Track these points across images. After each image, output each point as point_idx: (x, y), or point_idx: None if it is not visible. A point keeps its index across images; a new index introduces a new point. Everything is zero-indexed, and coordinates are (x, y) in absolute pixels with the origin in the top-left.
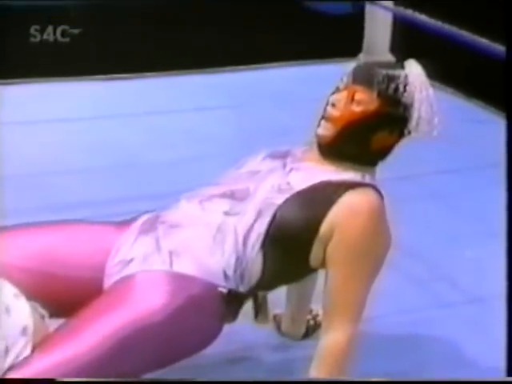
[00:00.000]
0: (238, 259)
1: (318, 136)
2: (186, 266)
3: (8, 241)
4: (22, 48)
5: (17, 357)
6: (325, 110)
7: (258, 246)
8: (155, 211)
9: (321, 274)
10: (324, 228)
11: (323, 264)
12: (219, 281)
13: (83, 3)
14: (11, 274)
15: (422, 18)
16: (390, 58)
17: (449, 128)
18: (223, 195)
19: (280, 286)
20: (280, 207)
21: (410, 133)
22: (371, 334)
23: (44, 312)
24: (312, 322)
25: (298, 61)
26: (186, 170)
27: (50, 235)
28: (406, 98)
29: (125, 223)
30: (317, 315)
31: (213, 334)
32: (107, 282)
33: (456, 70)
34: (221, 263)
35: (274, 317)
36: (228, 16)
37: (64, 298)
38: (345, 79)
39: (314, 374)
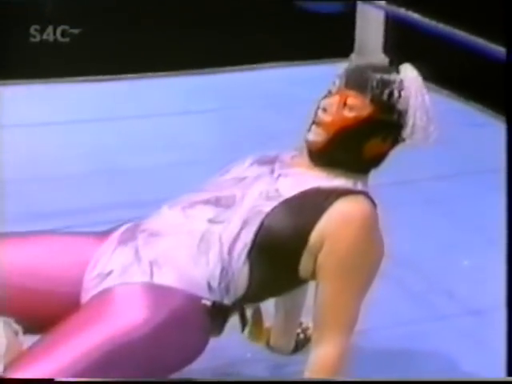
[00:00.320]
0: (223, 270)
1: (308, 142)
2: (167, 278)
3: None
4: (22, 48)
5: None
6: (316, 114)
7: (244, 256)
8: (135, 221)
9: (311, 285)
10: (314, 238)
11: (313, 275)
12: (203, 293)
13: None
14: None
15: (416, 16)
16: (383, 58)
17: (445, 132)
18: (207, 202)
19: (268, 299)
20: (268, 215)
21: (404, 140)
22: (364, 348)
23: (18, 328)
24: (302, 336)
25: (287, 61)
26: (171, 176)
27: (23, 247)
28: (400, 104)
29: (104, 234)
30: (307, 328)
31: (198, 349)
32: (85, 297)
33: (452, 72)
34: (205, 274)
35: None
36: (215, 16)
37: (39, 313)
38: (337, 83)
39: None
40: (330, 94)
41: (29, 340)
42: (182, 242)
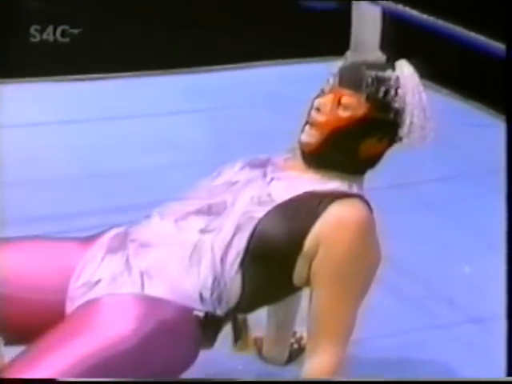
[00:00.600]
0: (215, 280)
1: (301, 143)
2: (158, 289)
3: None
4: (22, 48)
5: None
6: (309, 114)
7: (236, 264)
8: (124, 226)
9: (305, 293)
10: (308, 243)
11: (308, 282)
12: (195, 304)
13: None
14: None
15: (414, 13)
16: (379, 56)
17: (444, 132)
18: (199, 211)
19: (261, 307)
20: (260, 221)
21: (401, 139)
22: (360, 358)
23: None
24: (296, 346)
25: (280, 60)
26: (159, 179)
27: (4, 254)
28: (397, 103)
29: (89, 239)
30: (301, 338)
31: (188, 362)
32: (70, 306)
33: (451, 69)
34: (197, 284)
35: (255, 340)
36: (204, 13)
37: (22, 323)
38: (331, 81)
39: None
40: (323, 92)
41: (11, 352)
42: (173, 254)
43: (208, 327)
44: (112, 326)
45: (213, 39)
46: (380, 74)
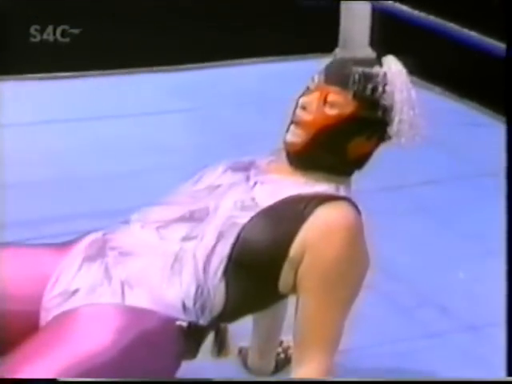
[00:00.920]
0: (198, 288)
1: (286, 143)
2: (140, 299)
3: None
4: (22, 48)
5: None
6: (294, 113)
7: (220, 272)
8: (101, 231)
9: (291, 300)
10: (294, 249)
11: (294, 289)
12: (178, 314)
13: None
14: None
15: (405, 8)
16: (369, 53)
17: (438, 133)
18: (181, 219)
19: (245, 316)
20: (244, 227)
21: (390, 138)
22: (349, 368)
23: None
24: (282, 356)
25: (265, 57)
26: (138, 182)
27: None
28: (385, 100)
29: (65, 245)
30: (287, 348)
31: (169, 373)
32: (45, 317)
33: (445, 67)
34: (179, 294)
35: (240, 350)
36: (188, 7)
37: None
38: (316, 78)
39: None
40: (308, 90)
41: None
42: (155, 263)
43: (191, 337)
44: (90, 338)
45: (198, 36)
46: (367, 70)
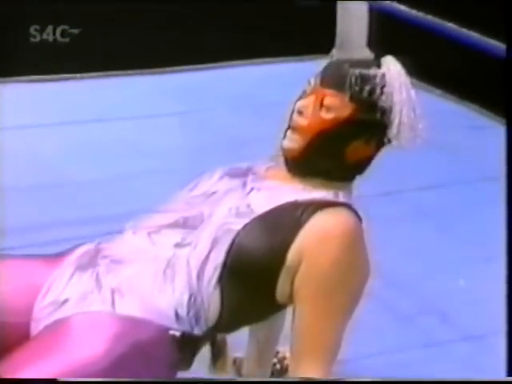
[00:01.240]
0: (191, 296)
1: (283, 149)
2: (130, 307)
3: None
4: (22, 48)
5: None
6: (291, 118)
7: (214, 280)
8: (94, 242)
9: (289, 310)
10: (291, 256)
11: (291, 299)
12: (170, 323)
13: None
14: None
15: (403, 8)
16: (367, 53)
17: (438, 136)
18: (174, 225)
19: (242, 327)
20: (239, 234)
21: (390, 141)
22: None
23: None
24: (278, 366)
25: (261, 59)
26: (130, 188)
27: None
28: (383, 102)
29: (58, 256)
30: (284, 358)
31: None
32: (35, 327)
33: (445, 69)
34: (171, 302)
35: (234, 361)
36: (186, 10)
37: None
38: (312, 81)
39: None
40: (305, 94)
41: None
42: (146, 270)
43: (185, 348)
44: (81, 347)
45: (191, 38)
46: (364, 71)
